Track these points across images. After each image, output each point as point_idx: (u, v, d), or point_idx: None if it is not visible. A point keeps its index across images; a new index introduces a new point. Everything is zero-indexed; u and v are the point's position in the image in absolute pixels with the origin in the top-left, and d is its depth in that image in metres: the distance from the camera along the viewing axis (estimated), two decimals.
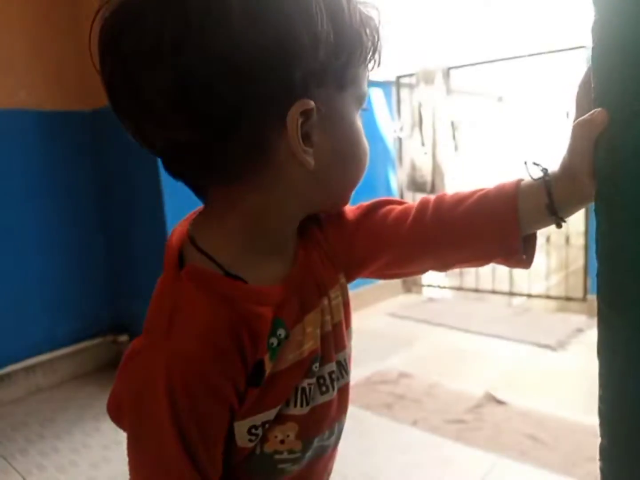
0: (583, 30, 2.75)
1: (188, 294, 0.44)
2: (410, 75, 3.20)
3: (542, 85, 2.81)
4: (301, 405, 0.49)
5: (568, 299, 2.94)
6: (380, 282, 3.20)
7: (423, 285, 3.49)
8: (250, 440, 0.47)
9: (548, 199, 0.45)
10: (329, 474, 0.59)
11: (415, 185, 3.19)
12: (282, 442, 0.48)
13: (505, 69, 2.94)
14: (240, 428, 0.46)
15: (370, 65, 0.48)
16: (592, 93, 0.39)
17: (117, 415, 0.47)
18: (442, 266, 0.57)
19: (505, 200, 0.48)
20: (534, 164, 0.46)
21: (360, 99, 0.48)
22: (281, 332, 0.47)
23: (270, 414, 0.47)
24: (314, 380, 0.50)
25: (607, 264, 0.40)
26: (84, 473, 1.59)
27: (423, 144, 3.16)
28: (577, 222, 2.80)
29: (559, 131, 2.75)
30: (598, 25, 0.38)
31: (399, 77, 3.29)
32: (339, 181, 0.49)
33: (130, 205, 2.27)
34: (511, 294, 3.23)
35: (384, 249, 0.55)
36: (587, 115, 0.39)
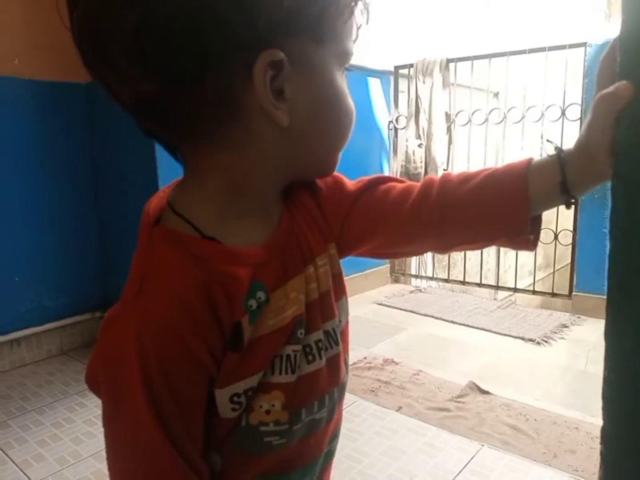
0: (583, 28, 2.75)
1: (159, 257, 0.44)
2: (409, 66, 3.18)
3: (539, 82, 2.81)
4: (286, 373, 0.47)
5: (554, 294, 2.97)
6: (369, 271, 3.21)
7: (411, 276, 3.51)
8: (234, 409, 0.45)
9: (561, 177, 0.44)
10: (330, 454, 0.56)
11: (409, 176, 3.19)
12: (267, 412, 0.47)
13: (502, 65, 2.93)
14: (222, 396, 0.45)
15: (354, 23, 0.45)
16: (615, 67, 0.39)
17: (94, 385, 0.45)
18: (443, 247, 0.56)
19: (515, 177, 0.47)
20: (548, 141, 0.45)
21: (343, 56, 0.46)
22: (261, 294, 0.45)
23: (253, 381, 0.45)
24: (299, 347, 0.48)
25: (620, 244, 0.40)
26: (66, 447, 1.58)
27: (418, 136, 3.16)
28: (566, 220, 2.83)
29: (553, 128, 2.76)
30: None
31: (397, 67, 3.28)
32: (319, 142, 0.47)
33: (124, 179, 2.24)
34: (497, 287, 3.26)
35: (384, 225, 0.53)
36: (610, 88, 0.38)
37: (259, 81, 0.40)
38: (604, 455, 0.42)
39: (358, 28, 0.46)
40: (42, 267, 2.23)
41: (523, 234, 0.47)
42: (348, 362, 0.57)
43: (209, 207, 0.46)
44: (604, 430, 0.42)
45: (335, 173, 0.55)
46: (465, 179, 0.50)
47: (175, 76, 0.39)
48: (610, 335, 0.41)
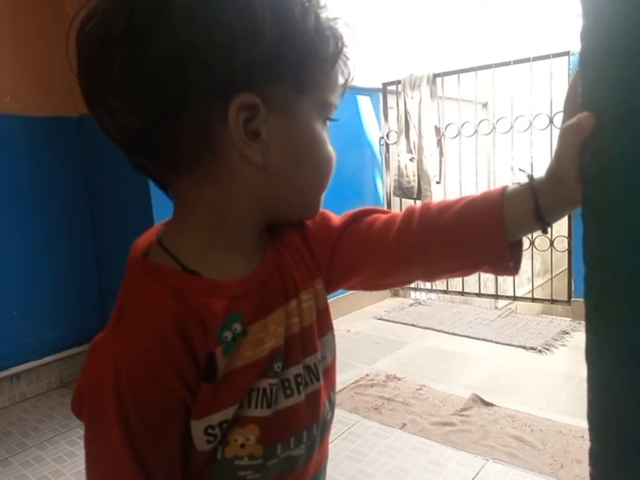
0: (566, 37, 2.80)
1: (139, 288, 0.46)
2: (397, 82, 3.22)
3: (526, 92, 2.85)
4: (262, 407, 0.47)
5: (553, 301, 2.97)
6: None
7: (409, 289, 3.51)
8: (208, 442, 0.45)
9: (534, 204, 0.45)
10: None
11: (402, 190, 3.21)
12: (242, 446, 0.47)
13: (489, 76, 2.97)
14: (197, 428, 0.45)
15: (338, 76, 0.49)
16: (578, 97, 0.40)
17: (78, 409, 0.46)
18: (429, 275, 0.57)
19: (491, 206, 0.48)
20: (520, 169, 0.47)
21: (324, 106, 0.49)
22: (237, 326, 0.46)
23: (228, 413, 0.45)
24: (276, 381, 0.48)
25: (594, 268, 0.40)
26: None
27: (409, 150, 3.18)
28: (561, 225, 2.84)
29: (542, 137, 2.78)
30: (586, 30, 0.38)
31: (385, 84, 3.32)
32: (297, 184, 0.49)
33: (118, 211, 2.25)
34: (497, 296, 3.26)
35: (370, 258, 0.54)
36: (574, 119, 0.40)
37: (232, 121, 0.42)
38: (593, 476, 0.42)
39: (344, 83, 0.50)
40: (39, 300, 2.23)
41: (503, 260, 0.48)
42: (334, 400, 0.57)
43: (192, 241, 0.48)
44: (591, 452, 0.43)
45: (321, 209, 0.56)
46: (445, 208, 0.51)
47: (157, 113, 0.42)
48: (591, 356, 0.42)
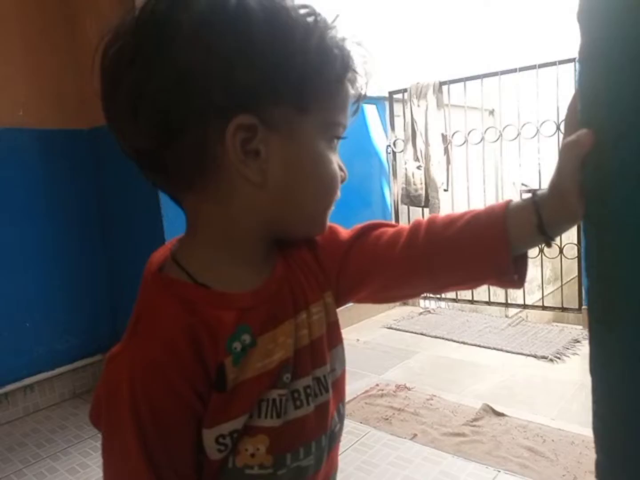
0: (572, 42, 2.79)
1: (153, 301, 0.48)
2: (403, 90, 3.24)
3: (532, 99, 2.85)
4: (271, 417, 0.48)
5: (564, 309, 2.95)
6: None
7: (419, 297, 3.50)
8: (219, 451, 0.47)
9: (537, 219, 0.46)
10: None
11: (410, 198, 3.22)
12: (252, 455, 0.48)
13: (495, 84, 2.98)
14: (209, 436, 0.46)
15: (346, 96, 0.50)
16: (579, 115, 0.41)
17: (96, 419, 0.48)
18: (436, 288, 0.58)
19: (494, 221, 0.49)
20: (523, 185, 0.47)
21: (330, 126, 0.50)
22: (246, 337, 0.48)
23: (238, 423, 0.47)
24: (285, 392, 0.49)
25: (596, 282, 0.41)
26: None
27: (417, 158, 3.19)
28: (570, 232, 2.83)
29: (549, 144, 2.78)
30: (584, 49, 0.40)
31: (391, 93, 3.34)
32: (298, 203, 0.50)
33: (129, 222, 2.27)
34: (507, 305, 3.25)
35: (377, 271, 0.55)
36: (573, 136, 0.41)
37: (229, 142, 0.45)
38: None
39: (355, 102, 0.52)
40: (52, 312, 2.25)
41: (507, 274, 0.49)
42: (343, 411, 0.57)
43: (202, 256, 0.50)
44: (597, 463, 0.43)
45: (330, 223, 0.58)
46: (450, 222, 0.52)
47: (160, 134, 0.45)
48: (595, 368, 0.42)
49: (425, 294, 3.36)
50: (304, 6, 0.47)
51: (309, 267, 0.55)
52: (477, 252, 0.49)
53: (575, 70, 2.70)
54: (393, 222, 0.57)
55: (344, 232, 0.58)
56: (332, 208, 0.53)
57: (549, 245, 0.48)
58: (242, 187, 0.47)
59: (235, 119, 0.44)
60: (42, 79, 2.20)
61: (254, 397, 0.48)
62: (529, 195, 0.47)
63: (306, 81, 0.45)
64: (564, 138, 0.43)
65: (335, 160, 0.51)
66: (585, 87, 0.40)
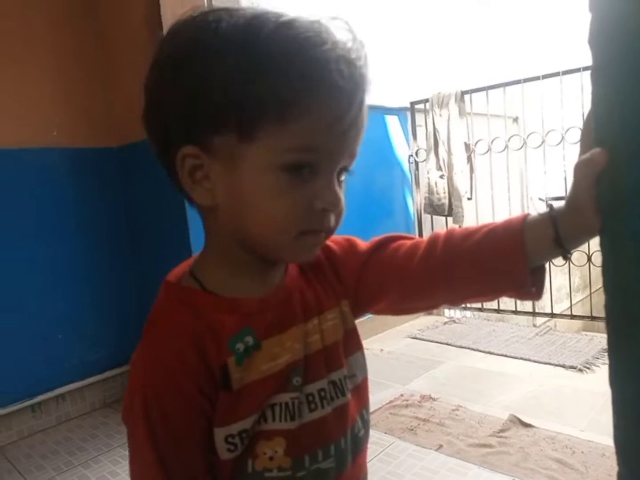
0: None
1: (164, 307, 0.53)
2: (425, 100, 3.24)
3: (558, 105, 2.83)
4: (285, 420, 0.50)
5: (592, 318, 2.89)
6: None
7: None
8: (229, 450, 0.49)
9: (554, 233, 0.47)
10: None
11: (433, 208, 3.21)
12: (271, 458, 0.50)
13: (519, 90, 2.96)
14: (219, 436, 0.49)
15: (318, 116, 0.45)
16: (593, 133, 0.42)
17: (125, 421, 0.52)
18: (453, 300, 0.59)
19: (512, 234, 0.50)
20: (540, 199, 0.48)
21: (288, 153, 0.46)
22: (249, 339, 0.50)
23: (246, 423, 0.49)
24: (297, 394, 0.51)
25: (613, 296, 0.42)
26: None
27: (439, 167, 3.19)
28: (597, 240, 2.77)
29: (575, 151, 2.74)
30: (596, 71, 0.41)
31: (413, 103, 3.35)
32: (254, 233, 0.49)
33: (158, 238, 2.33)
34: (534, 314, 3.20)
35: (395, 282, 0.57)
36: (587, 154, 0.42)
37: (178, 168, 0.49)
38: None
39: (340, 119, 0.45)
40: (83, 324, 2.31)
41: (524, 286, 0.50)
42: (367, 418, 0.59)
43: (211, 266, 0.54)
44: (619, 475, 0.43)
45: (348, 236, 0.60)
46: (468, 234, 0.53)
47: (156, 149, 0.52)
48: (614, 380, 0.43)
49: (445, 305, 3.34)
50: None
51: (325, 276, 0.58)
52: (495, 265, 0.50)
53: None
54: (412, 234, 0.58)
55: (362, 244, 0.60)
56: (317, 236, 0.50)
57: (565, 258, 0.48)
58: (205, 208, 0.51)
59: (183, 149, 0.48)
60: (74, 98, 2.27)
61: (262, 399, 0.50)
62: (545, 209, 0.48)
63: (246, 108, 0.45)
64: (579, 155, 0.44)
65: (301, 193, 0.47)
66: (599, 107, 0.41)
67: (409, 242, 0.57)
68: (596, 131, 0.41)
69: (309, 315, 0.55)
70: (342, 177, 0.52)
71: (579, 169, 0.43)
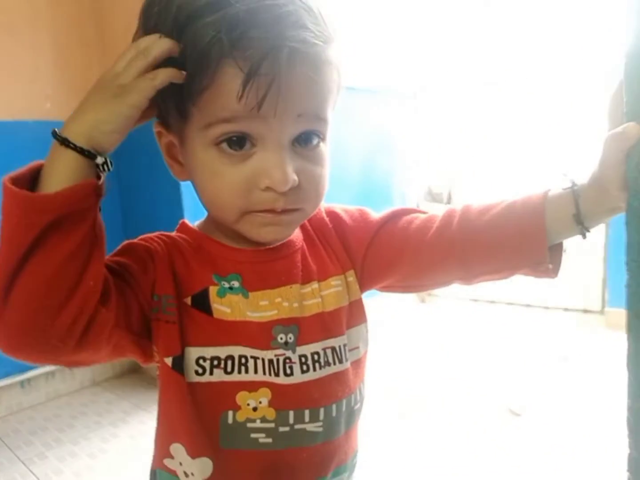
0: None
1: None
2: (429, 86, 3.21)
3: (560, 98, 2.81)
4: (270, 375, 0.50)
5: (585, 311, 2.91)
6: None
7: (437, 296, 3.47)
8: (197, 373, 0.49)
9: (575, 209, 0.46)
10: None
11: (432, 195, 3.20)
12: (254, 409, 0.50)
13: (523, 81, 2.94)
14: (190, 354, 0.50)
15: (228, 85, 0.43)
16: (623, 106, 0.40)
17: None
18: (468, 278, 0.57)
19: (532, 208, 0.48)
20: (563, 174, 0.47)
21: (211, 127, 0.46)
22: (235, 283, 0.52)
23: (220, 351, 0.50)
24: (282, 352, 0.51)
25: (637, 276, 0.41)
26: (101, 478, 1.61)
27: (440, 155, 3.17)
28: (595, 233, 2.77)
29: (574, 140, 2.74)
30: (630, 42, 0.39)
31: (416, 89, 3.31)
32: (206, 207, 0.54)
33: (152, 219, 2.30)
34: (527, 305, 3.21)
35: (407, 255, 0.55)
36: (619, 128, 0.40)
37: (159, 144, 0.53)
38: None
39: (241, 96, 0.43)
40: None
41: (543, 263, 0.49)
42: (364, 392, 0.58)
43: (212, 228, 0.56)
44: (630, 458, 0.43)
45: (362, 207, 0.60)
46: (485, 209, 0.52)
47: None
48: (632, 363, 0.42)
49: (444, 295, 3.34)
50: None
51: (331, 246, 0.57)
52: (513, 240, 0.49)
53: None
54: (425, 198, 0.57)
55: (375, 214, 0.59)
56: (264, 216, 0.49)
57: (584, 236, 0.47)
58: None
59: (154, 125, 0.52)
60: (70, 72, 2.23)
61: (240, 337, 0.50)
62: (568, 185, 0.46)
63: (174, 87, 0.44)
64: (608, 130, 0.42)
65: (240, 171, 0.47)
66: (632, 79, 0.39)
67: (422, 216, 0.56)
68: (628, 103, 0.40)
69: (308, 279, 0.54)
70: (314, 142, 0.49)
71: (609, 143, 0.41)
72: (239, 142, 0.46)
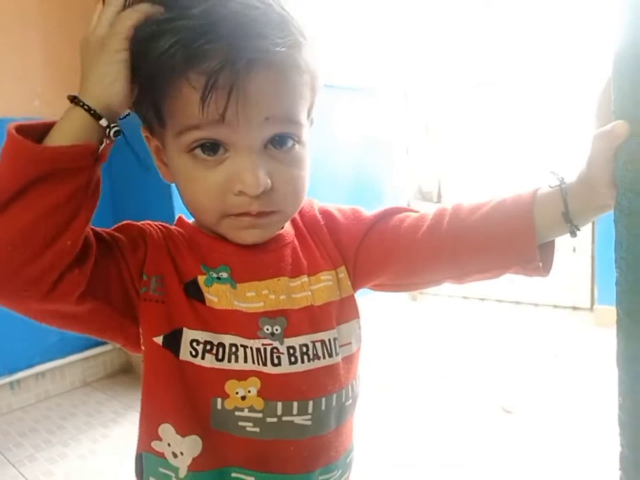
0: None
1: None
2: (418, 85, 3.22)
3: (551, 99, 2.83)
4: (258, 364, 0.51)
5: (575, 308, 2.93)
6: None
7: (428, 294, 3.49)
8: (191, 354, 0.50)
9: (564, 207, 0.46)
10: None
11: (422, 194, 3.21)
12: (243, 398, 0.50)
13: (513, 83, 2.96)
14: (187, 336, 0.51)
15: (191, 94, 0.44)
16: (611, 104, 0.40)
17: None
18: (459, 276, 0.57)
19: (521, 207, 0.49)
20: (551, 172, 0.47)
21: (183, 134, 0.47)
22: (223, 274, 0.53)
23: (212, 338, 0.51)
24: (270, 342, 0.51)
25: (626, 273, 0.41)
26: (92, 479, 1.59)
27: (430, 154, 3.18)
28: (583, 231, 2.80)
29: (564, 141, 2.76)
30: (618, 40, 0.39)
31: (406, 87, 3.32)
32: (188, 210, 0.55)
33: (143, 212, 2.28)
34: (517, 302, 3.23)
35: (398, 254, 0.55)
36: (607, 126, 0.40)
37: (148, 146, 0.54)
38: None
39: (205, 102, 0.44)
40: None
41: (533, 261, 0.49)
42: (357, 390, 0.58)
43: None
44: (622, 456, 0.43)
45: (356, 206, 0.61)
46: (476, 207, 0.52)
47: None
48: (622, 361, 0.42)
49: (434, 293, 3.35)
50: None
51: (323, 243, 0.58)
52: (502, 238, 0.49)
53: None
54: (415, 198, 0.57)
55: (367, 212, 0.59)
56: (240, 220, 0.51)
57: (573, 234, 0.47)
58: None
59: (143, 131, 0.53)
60: (59, 70, 2.21)
61: (229, 326, 0.51)
62: (556, 183, 0.47)
63: (147, 91, 0.47)
64: (596, 128, 0.43)
65: (214, 176, 0.48)
66: (620, 77, 0.39)
67: (414, 214, 0.56)
68: (616, 101, 0.40)
69: (298, 273, 0.55)
70: (289, 144, 0.50)
71: (597, 142, 0.42)
72: (212, 147, 0.47)
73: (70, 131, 0.43)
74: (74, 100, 0.44)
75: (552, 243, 0.50)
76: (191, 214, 0.55)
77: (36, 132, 0.43)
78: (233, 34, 0.42)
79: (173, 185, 0.54)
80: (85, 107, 0.43)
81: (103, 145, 0.45)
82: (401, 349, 2.57)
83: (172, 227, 0.57)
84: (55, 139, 0.42)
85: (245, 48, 0.42)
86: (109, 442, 1.80)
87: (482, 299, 3.24)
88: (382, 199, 3.26)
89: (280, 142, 0.49)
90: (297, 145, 0.50)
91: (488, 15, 3.48)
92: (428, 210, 0.56)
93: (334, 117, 2.57)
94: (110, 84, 0.44)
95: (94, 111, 0.43)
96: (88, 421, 1.96)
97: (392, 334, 2.76)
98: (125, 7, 0.45)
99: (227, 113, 0.44)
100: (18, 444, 1.82)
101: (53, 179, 0.41)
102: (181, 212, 2.04)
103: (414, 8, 3.26)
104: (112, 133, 0.45)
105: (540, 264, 0.49)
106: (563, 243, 0.50)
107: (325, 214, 0.60)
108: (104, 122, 0.44)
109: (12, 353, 2.10)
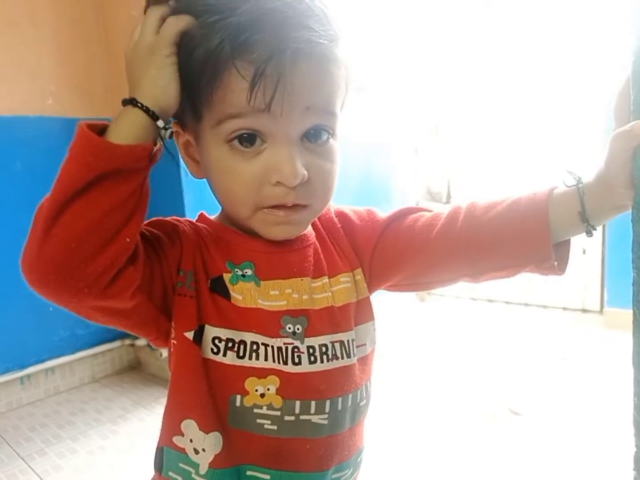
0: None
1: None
2: (427, 86, 3.21)
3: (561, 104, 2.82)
4: (279, 362, 0.51)
5: (584, 310, 2.91)
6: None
7: (436, 295, 3.48)
8: (212, 351, 0.51)
9: (581, 207, 0.46)
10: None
11: (431, 195, 3.20)
12: (262, 395, 0.51)
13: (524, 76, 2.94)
14: (208, 332, 0.51)
15: (233, 85, 0.46)
16: (630, 103, 0.40)
17: None
18: (474, 275, 0.57)
19: (536, 206, 0.48)
20: (568, 171, 0.47)
21: (222, 124, 0.48)
22: (248, 271, 0.53)
23: (234, 335, 0.51)
24: (291, 341, 0.52)
25: None
26: (101, 475, 1.61)
27: (438, 154, 3.17)
28: (593, 233, 2.77)
29: (575, 142, 2.74)
30: (637, 40, 0.39)
31: (414, 89, 3.31)
32: (221, 204, 0.56)
33: (152, 210, 2.29)
34: (526, 304, 3.21)
35: (414, 253, 0.56)
36: (626, 126, 0.40)
37: (177, 143, 0.55)
38: None
39: (250, 91, 0.45)
40: None
41: (548, 260, 0.49)
42: (369, 390, 0.58)
43: (227, 221, 0.57)
44: (637, 456, 0.43)
45: (370, 207, 0.61)
46: (491, 206, 0.52)
47: None
48: (638, 361, 0.42)
49: (442, 294, 3.33)
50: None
51: (340, 245, 0.58)
52: (517, 237, 0.49)
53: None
54: (425, 198, 0.58)
55: (382, 213, 0.60)
56: (276, 213, 0.51)
57: (589, 234, 0.47)
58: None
59: (172, 125, 0.52)
60: (72, 68, 2.22)
61: (252, 324, 0.52)
62: (573, 182, 0.47)
63: (187, 85, 0.47)
64: (614, 128, 0.43)
65: (251, 167, 0.48)
66: (638, 77, 0.39)
67: (428, 214, 0.56)
68: (635, 101, 0.40)
69: (320, 274, 0.55)
70: (324, 137, 0.50)
71: (616, 141, 0.42)
72: (249, 139, 0.48)
73: (131, 131, 0.44)
74: (131, 102, 0.45)
75: (568, 242, 0.50)
76: (224, 206, 0.55)
77: (96, 132, 0.44)
78: (279, 25, 0.44)
79: (184, 183, 0.55)
80: (144, 108, 0.44)
81: (157, 146, 0.46)
82: (409, 350, 2.56)
83: (198, 223, 0.58)
84: (116, 139, 0.43)
85: (292, 39, 0.44)
86: (118, 438, 1.81)
87: (491, 301, 3.23)
88: (390, 200, 3.26)
89: (316, 135, 0.50)
90: (331, 139, 0.51)
91: (488, 15, 3.46)
92: (442, 209, 0.56)
93: (342, 117, 2.57)
94: (164, 86, 0.46)
95: (152, 112, 0.44)
96: (97, 417, 1.98)
97: (400, 335, 2.76)
98: (168, 14, 0.47)
99: (273, 104, 0.45)
100: (28, 439, 1.84)
101: (117, 176, 0.43)
102: (192, 209, 2.04)
103: (424, 10, 3.26)
104: (167, 134, 0.47)
105: (556, 263, 0.49)
106: (573, 245, 0.50)
107: (341, 215, 0.60)
108: (160, 123, 0.45)
109: (22, 348, 2.12)
